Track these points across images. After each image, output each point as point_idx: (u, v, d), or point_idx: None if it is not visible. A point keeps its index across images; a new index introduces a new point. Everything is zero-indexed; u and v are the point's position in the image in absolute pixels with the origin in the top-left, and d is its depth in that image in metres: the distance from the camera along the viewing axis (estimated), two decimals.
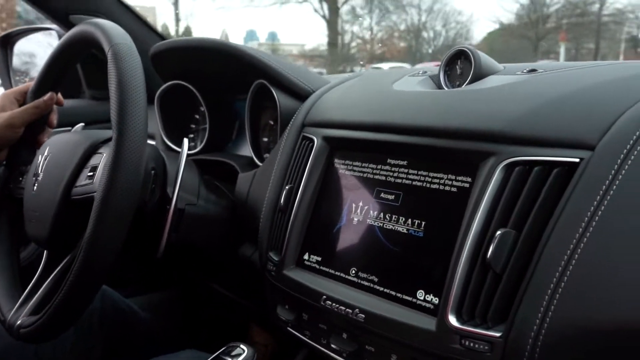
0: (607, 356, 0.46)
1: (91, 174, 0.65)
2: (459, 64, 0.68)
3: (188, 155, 0.98)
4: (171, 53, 0.94)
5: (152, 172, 0.70)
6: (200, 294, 1.13)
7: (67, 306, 0.57)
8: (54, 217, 0.65)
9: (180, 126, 1.06)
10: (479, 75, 0.65)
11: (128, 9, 1.12)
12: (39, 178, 0.68)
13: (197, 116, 1.06)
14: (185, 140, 0.74)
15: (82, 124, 0.85)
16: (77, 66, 1.21)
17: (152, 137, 1.09)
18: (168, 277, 1.13)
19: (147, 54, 0.98)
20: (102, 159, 0.65)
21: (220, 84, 0.98)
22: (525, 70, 0.64)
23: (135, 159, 0.55)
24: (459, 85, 0.67)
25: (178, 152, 1.00)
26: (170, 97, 1.03)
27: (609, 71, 0.60)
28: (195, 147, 1.03)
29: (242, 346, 0.60)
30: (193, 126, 1.07)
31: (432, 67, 0.74)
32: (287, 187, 0.70)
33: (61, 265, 0.66)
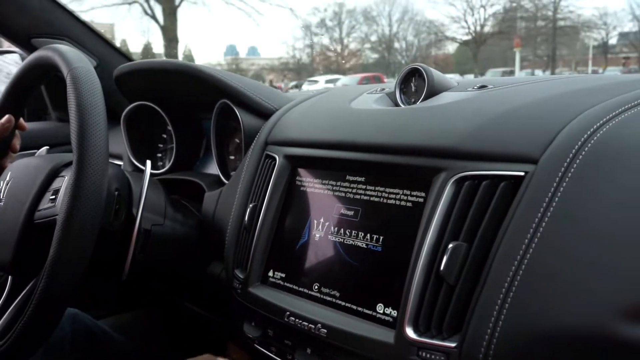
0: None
1: (53, 197, 0.65)
2: (414, 82, 0.70)
3: (155, 175, 0.99)
4: (135, 75, 0.95)
5: (116, 192, 0.70)
6: (173, 312, 1.12)
7: (31, 330, 0.57)
8: (17, 241, 0.64)
9: (147, 146, 1.06)
10: (433, 92, 0.67)
11: (91, 30, 1.12)
12: (1, 203, 0.68)
13: (164, 136, 1.07)
14: (148, 162, 0.75)
15: (46, 147, 0.85)
16: (42, 88, 1.20)
17: (119, 158, 1.09)
18: (140, 297, 1.12)
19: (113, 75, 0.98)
20: (63, 182, 0.65)
21: (186, 104, 0.98)
22: (475, 87, 0.67)
23: (96, 181, 0.55)
24: (414, 102, 0.69)
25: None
26: (136, 117, 1.03)
27: (553, 86, 0.62)
28: (163, 167, 1.03)
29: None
30: (161, 145, 1.08)
31: (385, 83, 0.76)
32: (250, 205, 0.71)
33: (25, 290, 0.66)
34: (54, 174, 0.67)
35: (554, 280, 0.47)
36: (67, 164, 0.68)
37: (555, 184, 0.49)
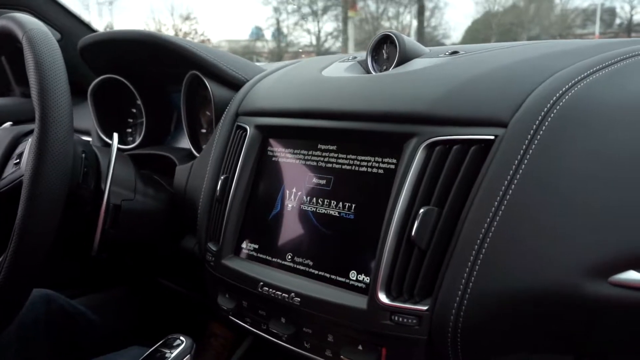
0: (522, 322, 0.48)
1: (17, 161, 0.63)
2: (385, 49, 0.69)
3: (125, 150, 0.96)
4: (100, 46, 0.92)
5: (83, 155, 0.68)
6: (148, 290, 1.11)
7: (3, 300, 0.55)
8: None
9: (116, 121, 1.03)
10: (404, 59, 0.67)
11: (53, 1, 1.07)
12: None
13: (134, 110, 1.04)
14: (115, 135, 0.73)
15: (10, 122, 0.82)
16: (5, 63, 1.15)
17: (87, 134, 1.06)
18: (114, 275, 1.10)
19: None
20: (27, 144, 0.63)
21: (155, 76, 0.96)
22: (447, 53, 0.66)
23: (61, 137, 0.53)
24: (386, 69, 0.68)
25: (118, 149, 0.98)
26: (104, 92, 1.00)
27: (522, 51, 0.62)
28: (133, 142, 1.01)
29: (181, 337, 0.60)
30: (130, 120, 1.05)
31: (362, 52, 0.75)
32: (222, 177, 0.70)
33: None
34: (15, 142, 0.65)
35: (521, 242, 0.47)
36: (29, 132, 0.66)
37: (524, 147, 0.49)
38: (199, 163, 0.78)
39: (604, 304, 0.45)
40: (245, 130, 0.71)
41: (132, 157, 0.91)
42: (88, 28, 1.13)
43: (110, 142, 1.01)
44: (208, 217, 0.72)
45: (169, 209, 0.81)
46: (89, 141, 1.06)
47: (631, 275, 0.44)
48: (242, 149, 0.70)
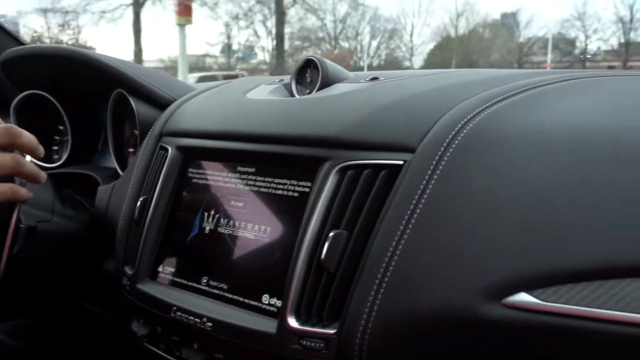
0: (425, 343, 0.50)
1: None
2: (309, 73, 0.71)
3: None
4: (24, 61, 0.90)
5: None
6: (71, 314, 1.07)
7: None
8: None
9: (42, 138, 1.00)
10: (326, 83, 0.68)
11: None
12: None
13: (60, 127, 1.02)
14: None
15: None
16: None
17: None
18: (34, 299, 1.06)
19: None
20: None
21: (81, 93, 0.94)
22: (368, 79, 0.69)
23: None
24: (310, 93, 0.70)
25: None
26: (29, 108, 0.97)
27: (436, 79, 0.65)
28: (59, 160, 0.98)
29: None
30: (57, 137, 1.02)
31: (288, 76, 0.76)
32: (141, 199, 0.69)
33: None
34: None
35: (424, 264, 0.49)
36: None
37: (429, 173, 0.51)
38: (121, 183, 0.77)
39: (498, 326, 0.47)
40: (167, 150, 0.71)
41: (56, 176, 0.89)
42: (14, 39, 1.10)
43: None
44: (126, 240, 0.71)
45: (89, 231, 0.79)
46: None
47: (522, 297, 0.46)
48: (163, 170, 0.69)
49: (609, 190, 0.46)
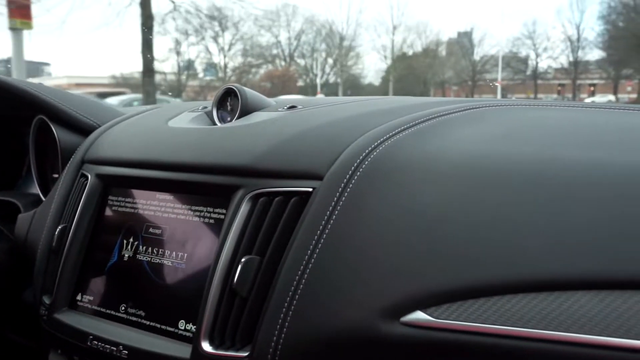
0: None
1: None
2: (230, 101, 0.73)
3: None
4: None
5: None
6: None
7: None
8: None
9: None
10: (246, 111, 0.71)
11: None
12: None
13: None
14: None
15: None
16: None
17: None
18: None
19: None
20: None
21: (4, 118, 0.93)
22: (286, 107, 0.72)
23: None
24: (230, 121, 0.72)
25: None
26: None
27: (353, 108, 0.69)
28: None
29: None
30: None
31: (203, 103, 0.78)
32: (60, 227, 0.69)
33: None
34: None
35: (330, 287, 0.52)
36: None
37: (335, 198, 0.55)
38: (41, 211, 0.77)
39: (398, 343, 0.50)
40: (88, 178, 0.71)
41: None
42: None
43: None
44: (45, 269, 0.70)
45: (9, 260, 0.77)
46: None
47: (419, 315, 0.50)
48: (82, 197, 0.69)
49: (494, 212, 0.51)
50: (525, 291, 0.48)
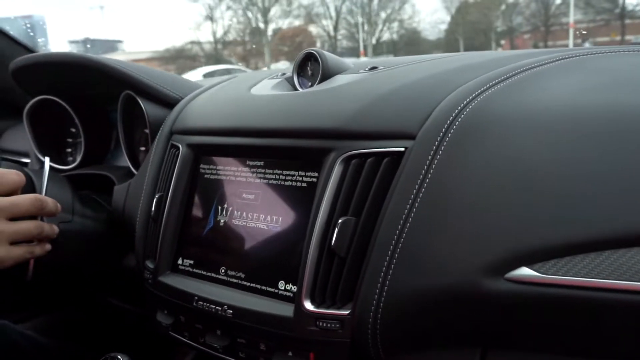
0: (434, 319, 0.53)
1: None
2: (310, 66, 0.73)
3: (65, 170, 0.98)
4: (33, 68, 0.93)
5: None
6: (98, 309, 1.12)
7: None
8: None
9: (55, 141, 1.04)
10: (327, 75, 0.71)
11: None
12: None
13: (73, 129, 1.05)
14: (47, 159, 0.74)
15: None
16: None
17: (26, 155, 1.07)
18: (62, 297, 1.11)
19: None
20: None
21: (91, 96, 0.97)
22: (367, 68, 0.71)
23: None
24: (312, 85, 0.72)
25: (57, 170, 0.99)
26: (41, 112, 1.01)
27: (436, 65, 0.68)
28: (73, 162, 1.02)
29: (119, 356, 0.63)
30: (70, 140, 1.06)
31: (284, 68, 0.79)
32: (157, 196, 0.73)
33: None
34: None
35: (428, 244, 0.52)
36: None
37: (430, 157, 0.54)
38: (136, 182, 0.81)
39: (502, 299, 0.50)
40: (179, 148, 0.74)
41: (72, 177, 0.93)
42: (25, 49, 1.13)
43: (49, 163, 1.02)
44: (145, 236, 0.74)
45: (109, 229, 0.83)
46: (26, 164, 1.06)
47: (524, 271, 0.49)
48: (176, 167, 0.72)
49: (603, 164, 0.49)
50: (637, 244, 0.46)
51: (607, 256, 0.47)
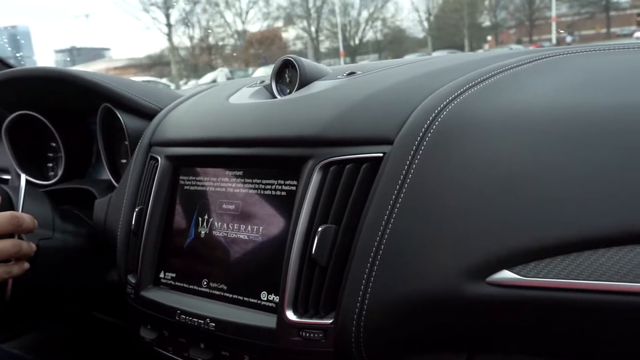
0: (417, 325, 0.53)
1: None
2: (287, 73, 0.73)
3: (46, 186, 0.96)
4: (11, 83, 0.92)
5: None
6: (83, 325, 1.10)
7: None
8: None
9: (35, 156, 1.03)
10: (305, 82, 0.70)
11: None
12: None
13: (53, 144, 1.04)
14: (23, 176, 0.73)
15: None
16: None
17: (6, 171, 1.05)
18: (46, 312, 1.09)
19: None
20: None
21: (70, 109, 0.96)
22: (345, 74, 0.71)
23: None
24: (290, 93, 0.72)
25: (37, 185, 0.97)
26: (20, 128, 1.00)
27: (414, 69, 0.67)
28: (55, 176, 1.01)
29: None
30: (50, 155, 1.05)
31: (267, 76, 0.78)
32: (137, 209, 0.72)
33: None
34: None
35: (409, 251, 0.52)
36: None
37: (408, 162, 0.54)
38: (116, 195, 0.80)
39: (485, 303, 0.50)
40: (158, 160, 0.73)
41: (54, 192, 0.91)
42: (2, 63, 1.12)
43: (29, 179, 1.00)
44: (126, 250, 0.73)
45: (91, 244, 0.81)
46: (6, 181, 1.05)
47: (505, 274, 0.49)
48: (155, 179, 0.72)
49: (580, 166, 0.48)
50: (616, 244, 0.46)
51: (586, 257, 0.46)
